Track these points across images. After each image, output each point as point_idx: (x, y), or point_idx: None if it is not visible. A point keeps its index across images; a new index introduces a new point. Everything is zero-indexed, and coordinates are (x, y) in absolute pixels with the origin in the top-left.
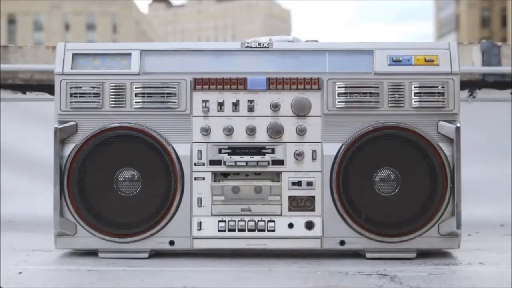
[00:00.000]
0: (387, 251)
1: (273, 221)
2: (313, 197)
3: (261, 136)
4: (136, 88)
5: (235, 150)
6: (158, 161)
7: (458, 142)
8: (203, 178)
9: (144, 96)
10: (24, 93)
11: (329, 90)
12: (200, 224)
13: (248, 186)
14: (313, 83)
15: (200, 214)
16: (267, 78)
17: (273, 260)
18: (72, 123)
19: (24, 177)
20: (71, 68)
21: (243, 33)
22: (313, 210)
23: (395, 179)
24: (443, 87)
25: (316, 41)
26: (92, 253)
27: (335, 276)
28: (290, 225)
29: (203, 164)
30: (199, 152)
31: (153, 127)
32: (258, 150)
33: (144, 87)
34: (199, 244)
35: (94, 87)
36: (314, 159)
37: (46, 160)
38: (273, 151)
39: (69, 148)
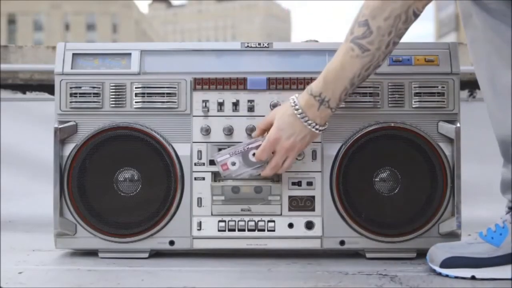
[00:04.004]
0: (387, 251)
1: (273, 221)
2: (313, 197)
3: None
4: (136, 88)
5: None
6: (158, 161)
7: (458, 142)
8: (203, 178)
9: (144, 96)
10: (24, 93)
11: None
12: (200, 224)
13: (248, 186)
14: None
15: (200, 214)
16: (267, 78)
17: (273, 260)
18: (72, 123)
19: (24, 177)
20: (71, 68)
21: (243, 33)
22: (313, 210)
23: (395, 179)
24: (443, 87)
25: (316, 41)
26: (92, 253)
27: (335, 276)
28: (290, 225)
29: (203, 164)
30: (199, 152)
31: (153, 127)
32: None
33: (144, 87)
34: (199, 244)
35: (94, 87)
36: (314, 159)
37: (46, 160)
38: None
39: (69, 148)
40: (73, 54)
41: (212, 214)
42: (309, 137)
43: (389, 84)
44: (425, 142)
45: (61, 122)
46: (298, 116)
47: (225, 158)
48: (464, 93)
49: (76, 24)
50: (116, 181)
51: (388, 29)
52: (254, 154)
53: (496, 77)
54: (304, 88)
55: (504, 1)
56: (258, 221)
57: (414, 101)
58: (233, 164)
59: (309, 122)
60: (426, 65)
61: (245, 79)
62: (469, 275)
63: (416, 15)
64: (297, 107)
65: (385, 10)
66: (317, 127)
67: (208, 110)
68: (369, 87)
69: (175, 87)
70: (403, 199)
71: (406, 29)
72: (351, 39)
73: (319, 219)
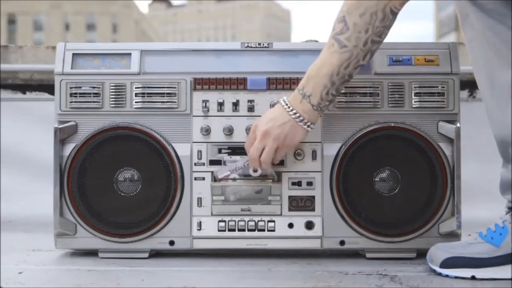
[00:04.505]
0: (387, 251)
1: (273, 221)
2: (313, 197)
3: None
4: (136, 88)
5: (235, 150)
6: (158, 161)
7: (458, 142)
8: (203, 178)
9: (144, 96)
10: (24, 93)
11: None
12: (200, 224)
13: (248, 186)
14: None
15: (200, 214)
16: (267, 78)
17: (273, 260)
18: (72, 123)
19: (24, 177)
20: (71, 68)
21: (243, 33)
22: (313, 210)
23: (395, 179)
24: (443, 87)
25: (316, 41)
26: (92, 253)
27: (335, 276)
28: (290, 225)
29: (203, 164)
30: (199, 152)
31: (153, 127)
32: None
33: (144, 87)
34: (199, 244)
35: (94, 87)
36: (314, 159)
37: (46, 160)
38: None
39: (69, 148)
40: (73, 54)
41: (212, 214)
42: (289, 126)
43: (389, 84)
44: (425, 142)
45: (61, 122)
46: (282, 103)
47: (226, 175)
48: (464, 93)
49: (76, 24)
50: (116, 181)
51: (364, 26)
52: (254, 170)
53: (494, 77)
54: None
55: (501, 1)
56: (258, 221)
57: (414, 101)
58: (234, 180)
59: (291, 109)
60: (426, 65)
61: (245, 79)
62: (469, 275)
63: (394, 14)
64: (284, 99)
65: (360, 7)
66: (297, 115)
67: (208, 110)
68: (369, 87)
69: (175, 87)
70: (403, 199)
71: (385, 27)
72: (333, 35)
73: (319, 219)
